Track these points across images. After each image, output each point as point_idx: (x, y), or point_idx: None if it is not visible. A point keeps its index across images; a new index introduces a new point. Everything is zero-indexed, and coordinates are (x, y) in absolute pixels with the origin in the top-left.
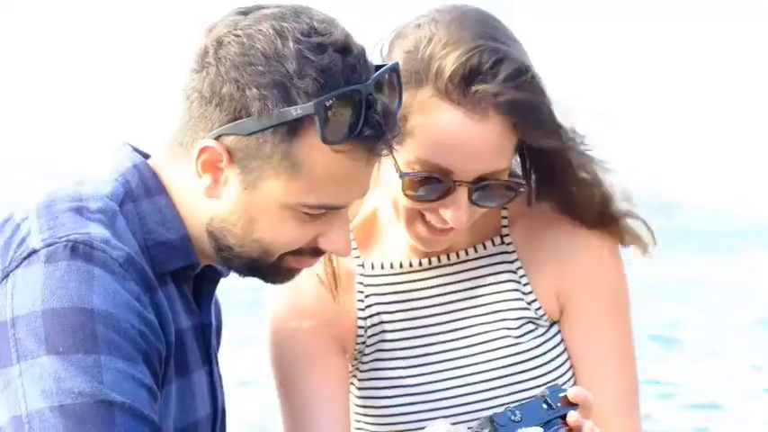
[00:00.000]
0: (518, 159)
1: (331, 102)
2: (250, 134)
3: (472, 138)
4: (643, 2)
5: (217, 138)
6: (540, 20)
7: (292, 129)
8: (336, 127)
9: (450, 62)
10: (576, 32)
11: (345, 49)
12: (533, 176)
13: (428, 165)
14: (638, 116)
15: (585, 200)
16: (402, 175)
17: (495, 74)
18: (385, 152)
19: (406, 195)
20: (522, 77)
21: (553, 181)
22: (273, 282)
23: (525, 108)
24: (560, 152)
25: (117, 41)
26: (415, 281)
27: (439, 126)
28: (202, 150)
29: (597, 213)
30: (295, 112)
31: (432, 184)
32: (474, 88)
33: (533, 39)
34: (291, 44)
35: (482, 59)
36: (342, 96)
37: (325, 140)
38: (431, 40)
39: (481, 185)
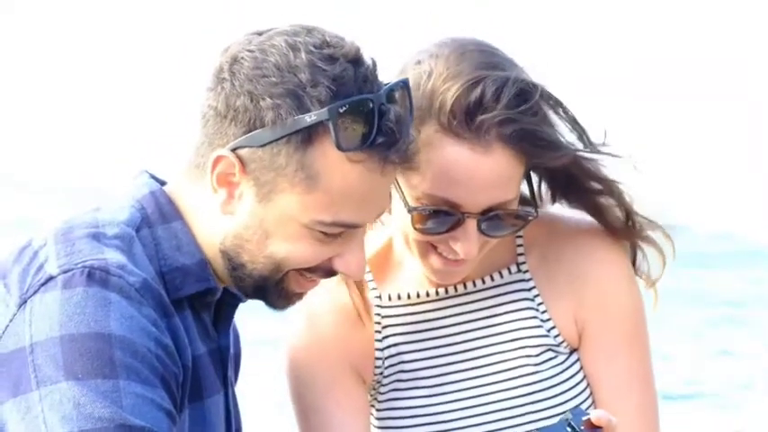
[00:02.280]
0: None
1: (344, 108)
2: (264, 145)
3: (478, 171)
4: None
5: (232, 150)
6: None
7: (306, 137)
8: (350, 134)
9: (450, 96)
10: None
11: (357, 60)
12: (552, 184)
13: (435, 199)
14: (642, 142)
15: (609, 207)
16: (410, 210)
17: (496, 105)
18: (399, 160)
19: (416, 229)
20: (526, 104)
21: (574, 192)
22: (275, 306)
23: (531, 135)
24: (573, 165)
25: (118, 41)
26: (431, 311)
27: (444, 161)
28: (216, 161)
29: (623, 221)
30: (309, 119)
31: (440, 217)
32: (477, 121)
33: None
34: (304, 55)
35: (483, 91)
36: (354, 104)
37: (339, 147)
38: (430, 76)
39: (490, 216)
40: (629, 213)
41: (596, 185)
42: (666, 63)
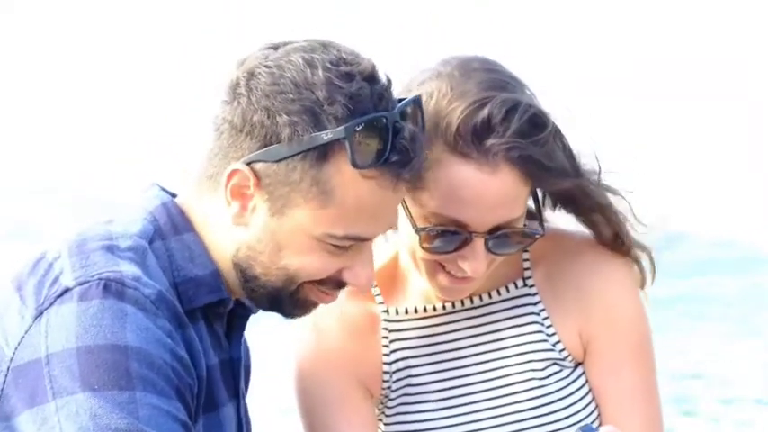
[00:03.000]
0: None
1: (360, 126)
2: (279, 160)
3: (485, 191)
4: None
5: (247, 164)
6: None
7: (322, 154)
8: (365, 151)
9: (456, 117)
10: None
11: (372, 78)
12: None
13: (443, 218)
14: (642, 142)
15: (602, 223)
16: (418, 231)
17: (505, 127)
18: (411, 178)
19: (423, 249)
20: (535, 128)
21: (572, 206)
22: (292, 315)
23: (538, 158)
24: (575, 187)
25: (118, 41)
26: (438, 324)
27: (451, 181)
28: (231, 174)
29: (613, 237)
30: (325, 136)
31: (447, 236)
32: (485, 142)
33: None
34: (321, 72)
35: (491, 113)
36: (370, 122)
37: (354, 164)
38: (432, 95)
39: (497, 235)
40: (617, 234)
41: (590, 204)
42: (666, 63)
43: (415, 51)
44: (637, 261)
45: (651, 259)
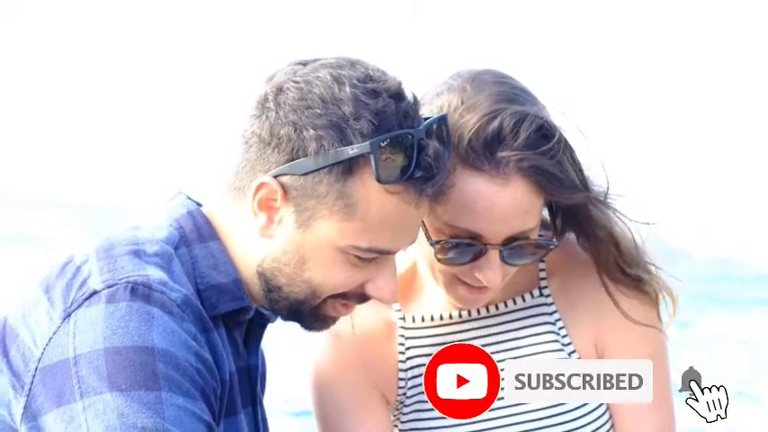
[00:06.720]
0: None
1: (386, 142)
2: (306, 174)
3: (498, 202)
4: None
5: (274, 177)
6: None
7: (347, 168)
8: (390, 167)
9: (468, 129)
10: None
11: (398, 95)
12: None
13: (457, 230)
14: (640, 166)
15: (605, 255)
16: (433, 243)
17: (515, 138)
18: (433, 194)
19: (439, 260)
20: (544, 139)
21: (577, 231)
22: (311, 328)
23: (548, 170)
24: (582, 206)
25: (120, 45)
26: (455, 333)
27: (464, 193)
28: (259, 187)
29: (616, 271)
30: (351, 151)
31: (462, 248)
32: (496, 154)
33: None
34: (348, 89)
35: (502, 125)
36: (395, 138)
37: (379, 179)
38: (443, 109)
39: (512, 246)
40: (618, 266)
41: (597, 233)
42: (666, 64)
43: (395, 40)
44: (643, 291)
45: (671, 294)
